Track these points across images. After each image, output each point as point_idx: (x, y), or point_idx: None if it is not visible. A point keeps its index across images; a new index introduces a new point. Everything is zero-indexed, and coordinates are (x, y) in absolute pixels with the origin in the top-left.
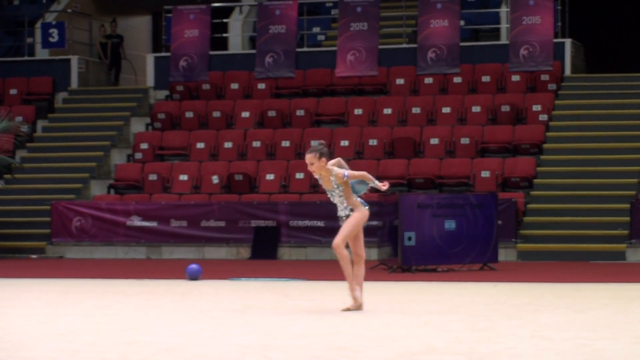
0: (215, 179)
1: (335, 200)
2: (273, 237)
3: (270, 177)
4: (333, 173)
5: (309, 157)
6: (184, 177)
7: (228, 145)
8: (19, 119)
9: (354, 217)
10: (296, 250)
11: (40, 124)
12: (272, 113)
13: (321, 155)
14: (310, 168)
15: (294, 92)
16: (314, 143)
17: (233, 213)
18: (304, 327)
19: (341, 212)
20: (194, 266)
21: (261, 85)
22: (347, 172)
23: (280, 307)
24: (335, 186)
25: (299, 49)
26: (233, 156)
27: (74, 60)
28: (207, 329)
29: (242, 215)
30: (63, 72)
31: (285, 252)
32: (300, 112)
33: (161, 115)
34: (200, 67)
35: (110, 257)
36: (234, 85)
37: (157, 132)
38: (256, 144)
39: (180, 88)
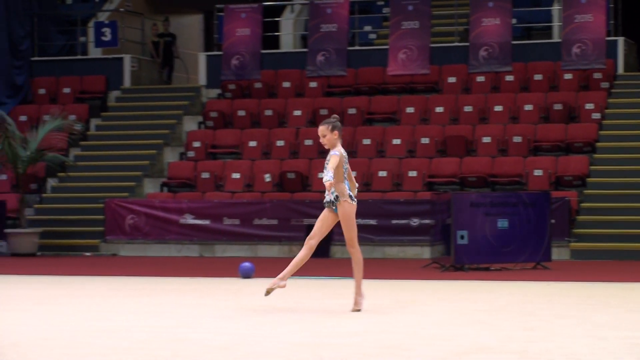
0: (267, 177)
1: (326, 182)
2: (325, 235)
3: (321, 174)
4: (330, 152)
5: (321, 129)
6: (236, 176)
7: (280, 143)
8: (73, 117)
9: (348, 216)
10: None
11: (94, 122)
12: (323, 111)
13: (334, 128)
14: (322, 140)
15: (345, 90)
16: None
17: (285, 211)
18: (356, 325)
19: (326, 197)
20: (246, 264)
21: (313, 84)
22: (331, 162)
23: (332, 306)
24: (326, 165)
25: (350, 48)
26: (285, 154)
27: (127, 59)
28: (259, 327)
29: (294, 213)
30: (116, 71)
31: (338, 251)
32: (352, 111)
33: (213, 114)
34: (252, 65)
35: (163, 255)
36: (286, 84)
37: (210, 130)
38: (308, 142)
39: (232, 86)
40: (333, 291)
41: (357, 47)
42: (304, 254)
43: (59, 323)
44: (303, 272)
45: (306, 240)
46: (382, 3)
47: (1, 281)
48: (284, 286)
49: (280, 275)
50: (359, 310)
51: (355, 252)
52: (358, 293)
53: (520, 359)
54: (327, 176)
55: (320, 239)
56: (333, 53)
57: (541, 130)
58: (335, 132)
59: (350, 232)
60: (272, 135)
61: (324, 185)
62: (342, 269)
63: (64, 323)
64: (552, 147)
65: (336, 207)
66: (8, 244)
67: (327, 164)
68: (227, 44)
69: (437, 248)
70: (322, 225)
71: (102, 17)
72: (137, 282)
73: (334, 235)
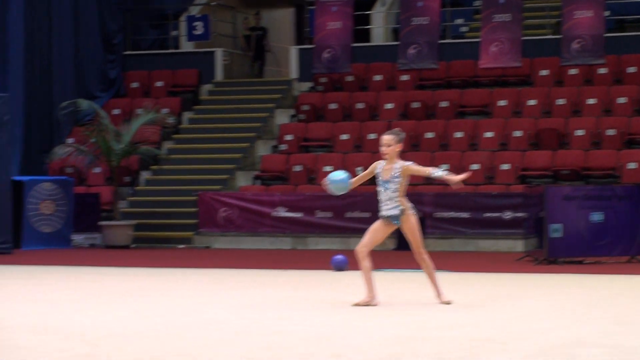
0: (359, 170)
1: (386, 195)
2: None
3: (435, 172)
4: (399, 164)
5: (388, 139)
6: (328, 168)
7: (372, 136)
8: (165, 110)
9: (415, 227)
10: (441, 242)
11: (186, 115)
12: (415, 104)
13: (399, 140)
14: (384, 149)
15: (437, 83)
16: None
17: (377, 204)
18: (450, 318)
19: (389, 212)
20: (339, 257)
21: (404, 77)
22: (416, 166)
23: (425, 299)
24: (394, 177)
25: (442, 41)
26: (377, 147)
27: (219, 53)
28: (353, 320)
29: None
30: (208, 65)
31: (430, 244)
32: (444, 104)
33: (305, 107)
34: (343, 58)
35: (256, 248)
36: (377, 77)
37: (302, 123)
38: None
39: (323, 80)
40: (426, 284)
41: (448, 40)
42: (367, 264)
43: (153, 315)
44: (394, 265)
45: (358, 249)
46: None
47: (95, 273)
48: (376, 304)
49: (368, 296)
50: (449, 303)
51: (426, 256)
52: (439, 289)
53: (615, 353)
54: (439, 172)
55: (371, 249)
56: (424, 46)
57: (635, 123)
58: (400, 144)
59: (419, 240)
60: (364, 128)
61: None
62: (435, 262)
63: (158, 315)
64: None
65: (399, 220)
66: (102, 237)
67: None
68: (319, 38)
69: (530, 241)
70: (374, 236)
71: (194, 10)
72: (231, 274)
73: (427, 228)
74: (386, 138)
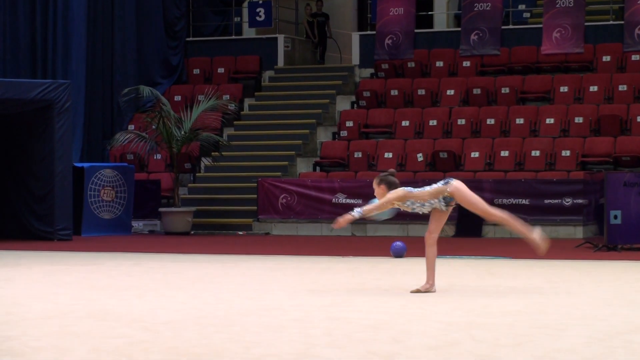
0: (420, 157)
1: (427, 209)
2: (478, 215)
3: (475, 154)
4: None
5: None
6: (389, 155)
7: (433, 123)
8: (227, 97)
9: (465, 190)
10: (501, 229)
11: (247, 102)
12: (477, 91)
13: (381, 182)
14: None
15: (499, 69)
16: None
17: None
18: (508, 305)
19: (436, 204)
20: (398, 244)
21: (466, 63)
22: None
23: (485, 285)
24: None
25: (504, 27)
26: (438, 134)
27: (281, 39)
28: (410, 306)
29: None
30: (270, 51)
31: (490, 230)
32: (505, 90)
33: (366, 93)
34: (405, 44)
35: (315, 234)
36: (439, 63)
37: (362, 110)
38: (461, 121)
39: (385, 66)
40: (485, 271)
41: (510, 26)
42: (434, 250)
43: (213, 301)
44: (454, 251)
45: (427, 236)
46: None
47: (156, 260)
48: (434, 291)
49: (428, 282)
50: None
51: (497, 214)
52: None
53: None
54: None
55: (438, 235)
56: (487, 32)
57: None
58: (383, 186)
59: (479, 201)
60: (425, 115)
61: (477, 165)
62: (494, 249)
63: (218, 301)
64: None
65: (448, 204)
66: (162, 223)
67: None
68: (381, 24)
69: (589, 228)
70: (437, 220)
71: None
72: (290, 261)
73: None
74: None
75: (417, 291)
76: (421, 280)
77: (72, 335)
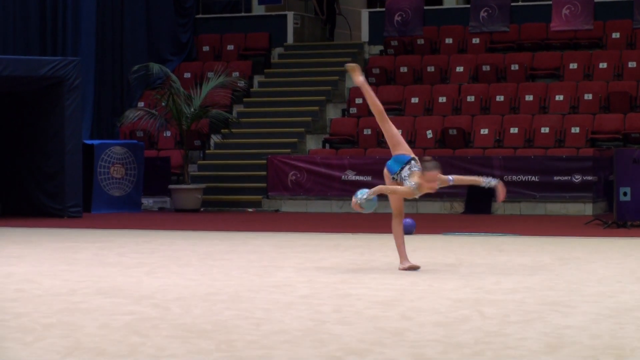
0: (429, 134)
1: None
2: (487, 192)
3: (484, 131)
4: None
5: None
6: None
7: (442, 99)
8: (236, 74)
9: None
10: (510, 205)
11: (257, 79)
12: (486, 67)
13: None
14: (434, 185)
15: (508, 46)
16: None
17: (447, 168)
18: (517, 282)
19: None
20: (407, 220)
21: (475, 40)
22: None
23: (494, 262)
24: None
25: (513, 3)
26: (447, 111)
27: (290, 16)
28: (420, 282)
29: (456, 169)
30: (279, 28)
31: (499, 207)
32: (514, 67)
33: (376, 70)
34: (415, 21)
35: (324, 211)
36: (448, 40)
37: (372, 86)
38: (470, 98)
39: (394, 43)
40: (495, 247)
41: (520, 3)
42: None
43: (222, 278)
44: (463, 228)
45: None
46: None
47: (165, 237)
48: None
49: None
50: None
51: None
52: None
53: None
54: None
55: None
56: (496, 9)
57: None
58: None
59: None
60: (435, 92)
61: (486, 142)
62: (504, 225)
63: (227, 278)
64: None
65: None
66: (172, 200)
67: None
68: (390, 0)
69: (599, 205)
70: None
71: None
72: (300, 238)
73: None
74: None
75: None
76: (432, 259)
77: (82, 312)
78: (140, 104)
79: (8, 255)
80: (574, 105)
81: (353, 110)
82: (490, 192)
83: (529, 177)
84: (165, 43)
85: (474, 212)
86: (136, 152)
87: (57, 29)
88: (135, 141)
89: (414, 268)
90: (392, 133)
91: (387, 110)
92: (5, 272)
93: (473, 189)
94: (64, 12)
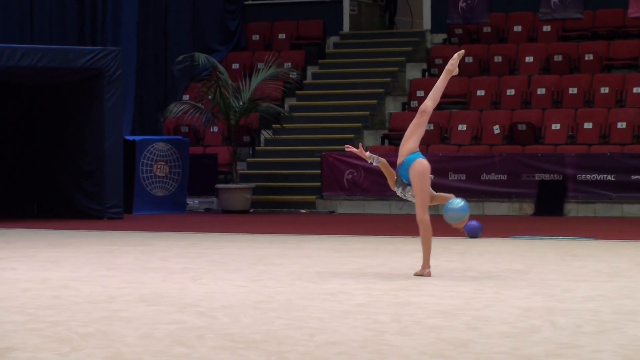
0: (496, 129)
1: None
2: (559, 191)
3: (556, 126)
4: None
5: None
6: (462, 127)
7: (510, 92)
8: (288, 65)
9: (419, 180)
10: (584, 206)
11: (310, 70)
12: (558, 57)
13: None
14: None
15: (582, 34)
16: None
17: (516, 166)
18: (592, 289)
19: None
20: (473, 223)
21: (546, 27)
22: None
23: (566, 268)
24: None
25: None
26: (516, 104)
27: (346, 2)
28: (486, 290)
29: (525, 168)
30: (334, 15)
31: (572, 208)
32: (588, 56)
33: (438, 61)
34: (481, 8)
35: (383, 213)
36: (517, 28)
37: (435, 78)
38: (541, 90)
39: (459, 31)
40: (567, 252)
41: None
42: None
43: (273, 285)
44: (532, 231)
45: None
46: None
47: (212, 240)
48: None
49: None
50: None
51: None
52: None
53: None
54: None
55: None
56: None
57: None
58: None
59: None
60: (502, 84)
61: (558, 138)
62: (577, 228)
63: (278, 285)
64: None
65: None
66: (219, 200)
67: None
68: None
69: None
70: None
71: None
72: (356, 241)
73: (568, 192)
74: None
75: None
76: (498, 264)
77: (123, 321)
78: (185, 97)
79: (44, 259)
80: None
81: (414, 103)
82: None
83: (605, 176)
84: (212, 31)
85: (544, 213)
86: (181, 148)
87: (96, 17)
88: (179, 137)
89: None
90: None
91: (451, 104)
92: (41, 277)
93: (543, 190)
94: None
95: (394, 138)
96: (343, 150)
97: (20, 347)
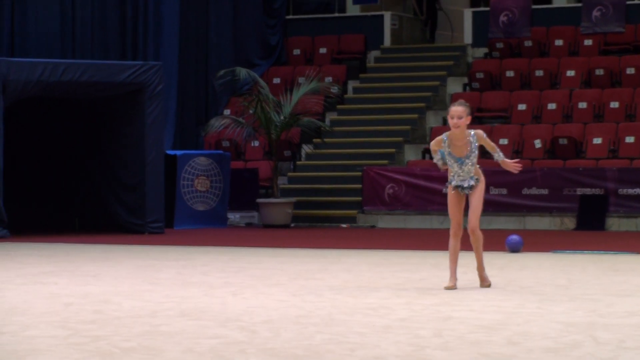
0: (537, 143)
1: (466, 169)
2: (600, 206)
3: (597, 140)
4: (472, 133)
5: (460, 110)
6: (504, 141)
7: (552, 106)
8: (329, 79)
9: (482, 191)
10: (626, 221)
11: (351, 84)
12: (599, 71)
13: (470, 112)
14: (456, 122)
15: (623, 48)
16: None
17: (557, 180)
18: (634, 305)
19: (467, 182)
20: (514, 237)
21: (588, 42)
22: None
23: (608, 283)
24: (473, 150)
25: (629, 2)
26: (557, 118)
27: (387, 17)
28: (528, 305)
29: (566, 182)
30: (375, 29)
31: (614, 223)
32: (630, 70)
33: (479, 75)
34: (522, 22)
35: (424, 227)
36: (558, 42)
37: (476, 92)
38: (582, 105)
39: (500, 45)
40: (609, 267)
41: (636, 1)
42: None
43: (314, 299)
44: (574, 245)
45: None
46: None
47: (253, 254)
48: (455, 288)
49: (451, 280)
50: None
51: (479, 233)
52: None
53: None
54: (500, 155)
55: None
56: (610, 7)
57: None
58: (470, 117)
59: (480, 209)
60: (543, 98)
61: (600, 152)
62: (619, 243)
63: (319, 299)
64: None
65: (471, 189)
66: (260, 215)
67: (480, 134)
68: None
69: None
70: (457, 214)
71: None
72: (398, 256)
73: (610, 206)
74: (458, 110)
75: (447, 288)
76: (540, 278)
77: (164, 336)
78: (226, 112)
79: (85, 273)
80: None
81: None
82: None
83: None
84: (253, 46)
85: (586, 228)
86: (222, 163)
87: (137, 31)
88: (220, 151)
89: (450, 288)
90: None
91: (492, 118)
92: (83, 292)
93: (585, 204)
94: (145, 13)
95: None
96: (384, 164)
97: None
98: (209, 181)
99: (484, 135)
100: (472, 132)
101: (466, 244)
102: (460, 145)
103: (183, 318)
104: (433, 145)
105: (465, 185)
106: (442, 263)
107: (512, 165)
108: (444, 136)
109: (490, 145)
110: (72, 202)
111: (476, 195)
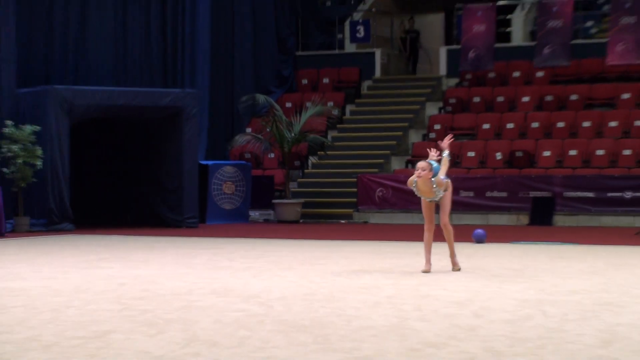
0: (498, 155)
1: (435, 200)
2: (549, 206)
3: (546, 153)
4: (434, 180)
5: (423, 164)
6: (471, 154)
7: (510, 125)
8: (331, 104)
9: (450, 194)
10: (569, 218)
11: (349, 108)
12: (549, 97)
13: (432, 169)
14: (419, 172)
15: (569, 79)
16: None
17: (514, 185)
18: (576, 284)
19: (437, 197)
20: (479, 231)
21: (540, 74)
22: (442, 174)
23: (555, 268)
24: (437, 194)
25: (573, 41)
26: (514, 135)
27: (378, 53)
28: (490, 285)
29: (522, 187)
30: (368, 63)
31: (560, 219)
32: (574, 97)
33: (452, 100)
34: (487, 57)
35: (407, 223)
36: (516, 74)
37: (449, 114)
38: (535, 124)
39: (469, 76)
40: (556, 255)
41: (579, 41)
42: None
43: (318, 280)
44: (527, 238)
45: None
46: (602, 1)
47: (269, 244)
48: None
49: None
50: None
51: (449, 226)
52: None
53: None
54: (441, 176)
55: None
56: (558, 46)
57: None
58: (432, 172)
59: (450, 208)
60: (504, 119)
61: (548, 163)
62: (565, 236)
63: (323, 280)
64: None
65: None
66: (275, 213)
67: (441, 182)
68: (465, 39)
69: None
70: (430, 211)
71: (357, 16)
72: (386, 246)
73: (557, 206)
74: (422, 164)
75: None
76: (500, 264)
77: (198, 309)
78: (248, 130)
79: (136, 259)
80: (626, 131)
81: (432, 135)
82: None
83: (586, 193)
84: (270, 77)
85: (537, 223)
86: (245, 171)
87: (176, 64)
88: (243, 162)
89: (426, 271)
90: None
91: (462, 135)
92: (134, 274)
93: (536, 205)
94: (182, 50)
95: (415, 162)
96: (375, 172)
97: (116, 330)
98: (234, 186)
99: (442, 177)
100: (434, 180)
101: (440, 237)
102: (425, 189)
103: (213, 295)
104: (409, 182)
105: (437, 198)
106: (422, 252)
107: (446, 141)
108: (414, 178)
109: (444, 168)
110: (125, 202)
111: (445, 198)
